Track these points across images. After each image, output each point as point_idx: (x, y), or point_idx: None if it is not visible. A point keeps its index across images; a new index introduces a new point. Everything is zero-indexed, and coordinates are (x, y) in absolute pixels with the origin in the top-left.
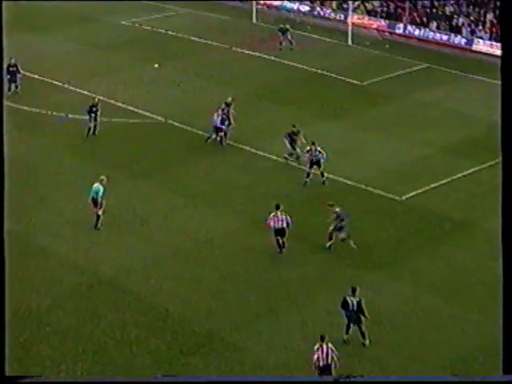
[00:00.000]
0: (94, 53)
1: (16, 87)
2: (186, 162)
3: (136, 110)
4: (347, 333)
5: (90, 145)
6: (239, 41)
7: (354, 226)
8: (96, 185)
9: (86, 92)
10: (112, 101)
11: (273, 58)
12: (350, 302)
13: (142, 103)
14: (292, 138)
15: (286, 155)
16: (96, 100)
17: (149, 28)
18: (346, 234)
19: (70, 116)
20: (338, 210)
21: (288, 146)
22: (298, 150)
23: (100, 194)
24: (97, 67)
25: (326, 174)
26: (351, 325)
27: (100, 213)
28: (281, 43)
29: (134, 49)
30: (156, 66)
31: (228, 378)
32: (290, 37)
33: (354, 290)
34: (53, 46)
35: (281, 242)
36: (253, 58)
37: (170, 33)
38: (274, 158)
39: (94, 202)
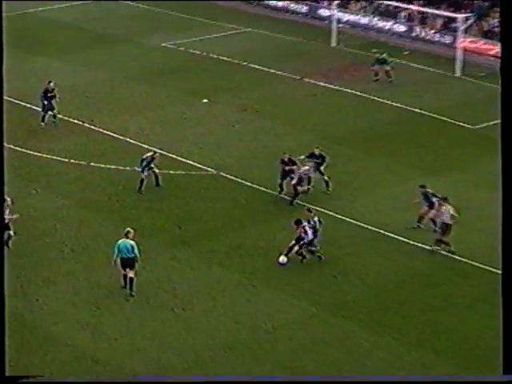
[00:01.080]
0: (124, 84)
1: (54, 117)
2: (241, 227)
3: (178, 157)
4: None
5: (117, 202)
6: (313, 70)
7: None
8: (123, 241)
9: (111, 133)
10: (145, 145)
11: (358, 92)
12: None
13: (186, 149)
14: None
15: (417, 224)
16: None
17: (197, 52)
18: None
19: (92, 164)
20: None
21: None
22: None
23: (136, 250)
24: (128, 102)
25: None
26: None
27: (132, 275)
28: (376, 74)
29: (178, 79)
30: (205, 101)
31: (228, 378)
32: (388, 68)
33: None
34: (71, 73)
35: None
36: (331, 93)
37: (223, 58)
38: (363, 224)
39: (126, 262)
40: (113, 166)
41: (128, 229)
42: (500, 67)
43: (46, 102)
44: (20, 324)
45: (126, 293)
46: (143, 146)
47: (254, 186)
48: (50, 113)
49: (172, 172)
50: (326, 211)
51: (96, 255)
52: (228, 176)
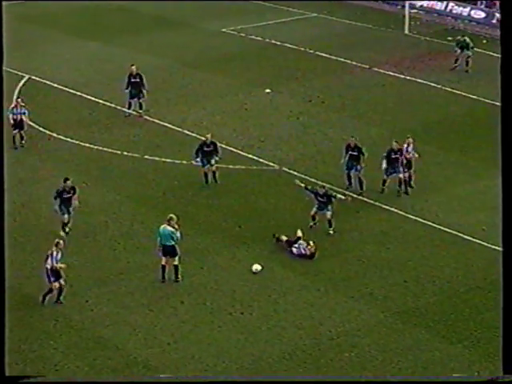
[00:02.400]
0: (181, 71)
1: (140, 106)
2: (305, 226)
3: (238, 151)
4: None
5: (172, 197)
6: (384, 58)
7: None
8: (163, 227)
9: (167, 124)
10: (204, 138)
11: (431, 83)
12: None
13: (246, 142)
14: None
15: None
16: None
17: (259, 38)
18: None
19: (146, 157)
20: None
21: None
22: None
23: (176, 237)
24: (185, 91)
25: None
26: None
27: (176, 262)
28: (456, 61)
29: (238, 67)
30: (267, 91)
31: (228, 378)
32: (469, 54)
33: None
34: (124, 60)
35: None
36: (402, 83)
37: (287, 45)
38: (435, 225)
39: (165, 249)
40: (168, 160)
41: (170, 215)
42: (500, 66)
43: (129, 89)
44: (68, 326)
45: (176, 292)
46: (201, 138)
47: (319, 182)
48: (136, 99)
49: (231, 166)
50: (395, 210)
51: (150, 254)
52: (291, 171)
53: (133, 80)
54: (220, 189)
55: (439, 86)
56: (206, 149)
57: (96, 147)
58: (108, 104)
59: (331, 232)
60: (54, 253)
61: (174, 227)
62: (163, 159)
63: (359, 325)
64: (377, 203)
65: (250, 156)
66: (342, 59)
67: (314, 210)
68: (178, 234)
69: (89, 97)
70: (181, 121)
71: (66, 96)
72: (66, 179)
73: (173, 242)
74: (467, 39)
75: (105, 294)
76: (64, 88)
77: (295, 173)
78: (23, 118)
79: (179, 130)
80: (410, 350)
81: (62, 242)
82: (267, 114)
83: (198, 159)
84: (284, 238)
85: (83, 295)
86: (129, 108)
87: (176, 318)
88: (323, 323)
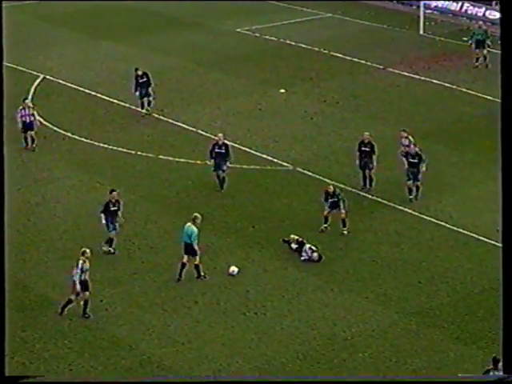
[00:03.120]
0: (195, 71)
1: (149, 103)
2: (319, 226)
3: (252, 151)
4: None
5: (186, 197)
6: (399, 59)
7: None
8: (188, 225)
9: (181, 124)
10: (218, 138)
11: (446, 84)
12: None
13: (260, 142)
14: None
15: None
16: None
17: (273, 38)
18: None
19: (160, 157)
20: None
21: None
22: None
23: (194, 236)
24: (199, 91)
25: None
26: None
27: (197, 261)
28: (477, 59)
29: (252, 67)
30: (282, 91)
31: (241, 378)
32: (487, 49)
33: None
34: (138, 59)
35: None
36: (417, 84)
37: (302, 45)
38: (449, 226)
39: (185, 247)
40: (182, 160)
41: (195, 214)
42: (500, 67)
43: (139, 90)
44: (82, 325)
45: (190, 292)
46: (215, 138)
47: (333, 183)
48: (146, 98)
49: (245, 167)
50: (409, 211)
51: (164, 254)
52: (305, 172)
53: (140, 81)
54: (234, 189)
55: (454, 87)
56: (217, 150)
57: (110, 147)
58: (122, 104)
59: (345, 232)
60: (81, 262)
61: (197, 227)
62: (177, 159)
63: (373, 325)
64: (391, 204)
65: (264, 156)
66: (357, 59)
67: (327, 209)
68: (196, 232)
69: (103, 96)
70: (195, 121)
71: (81, 96)
72: (112, 190)
73: (190, 241)
74: (483, 34)
75: (119, 294)
76: (78, 88)
77: (309, 173)
78: (32, 119)
79: (193, 129)
80: (423, 351)
81: (88, 250)
82: (281, 114)
83: (212, 161)
84: (293, 246)
85: (97, 295)
86: (142, 108)
87: (190, 318)
88: (337, 324)
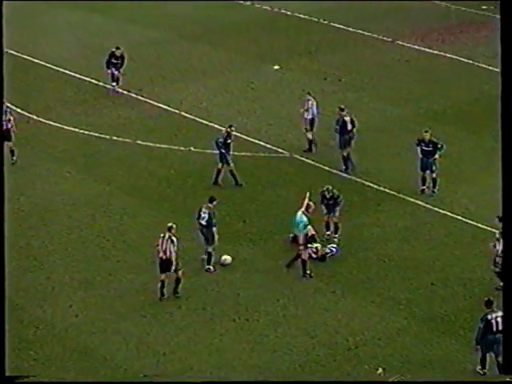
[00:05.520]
0: (178, 45)
1: (117, 80)
2: (319, 220)
3: (243, 136)
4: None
5: (168, 188)
6: (408, 30)
7: None
8: (300, 213)
9: (162, 105)
10: (204, 121)
11: (463, 58)
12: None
13: (252, 126)
14: None
15: None
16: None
17: (267, 8)
18: None
19: (138, 142)
20: None
21: None
22: None
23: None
24: (183, 67)
25: None
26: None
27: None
28: None
29: (243, 40)
30: (276, 67)
31: (227, 378)
32: None
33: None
34: (114, 32)
35: None
36: (429, 59)
37: (299, 15)
38: (466, 220)
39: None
40: (164, 146)
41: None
42: (500, 68)
43: (111, 69)
44: (49, 334)
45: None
46: (201, 121)
47: (333, 171)
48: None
49: (236, 153)
50: (421, 203)
51: (142, 252)
52: (303, 159)
53: (114, 61)
54: (222, 179)
55: (472, 62)
56: (229, 141)
57: (82, 131)
58: (95, 82)
59: (336, 239)
60: (174, 239)
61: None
62: (158, 145)
63: (380, 333)
64: (400, 195)
65: (257, 141)
66: (361, 31)
67: (326, 215)
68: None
69: (74, 74)
70: (178, 101)
71: (48, 73)
72: (212, 199)
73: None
74: None
75: (91, 298)
76: (45, 64)
77: (308, 160)
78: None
79: (176, 111)
80: (437, 362)
81: (174, 225)
82: (276, 94)
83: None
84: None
85: (67, 299)
86: (112, 80)
87: (172, 325)
88: (339, 331)
